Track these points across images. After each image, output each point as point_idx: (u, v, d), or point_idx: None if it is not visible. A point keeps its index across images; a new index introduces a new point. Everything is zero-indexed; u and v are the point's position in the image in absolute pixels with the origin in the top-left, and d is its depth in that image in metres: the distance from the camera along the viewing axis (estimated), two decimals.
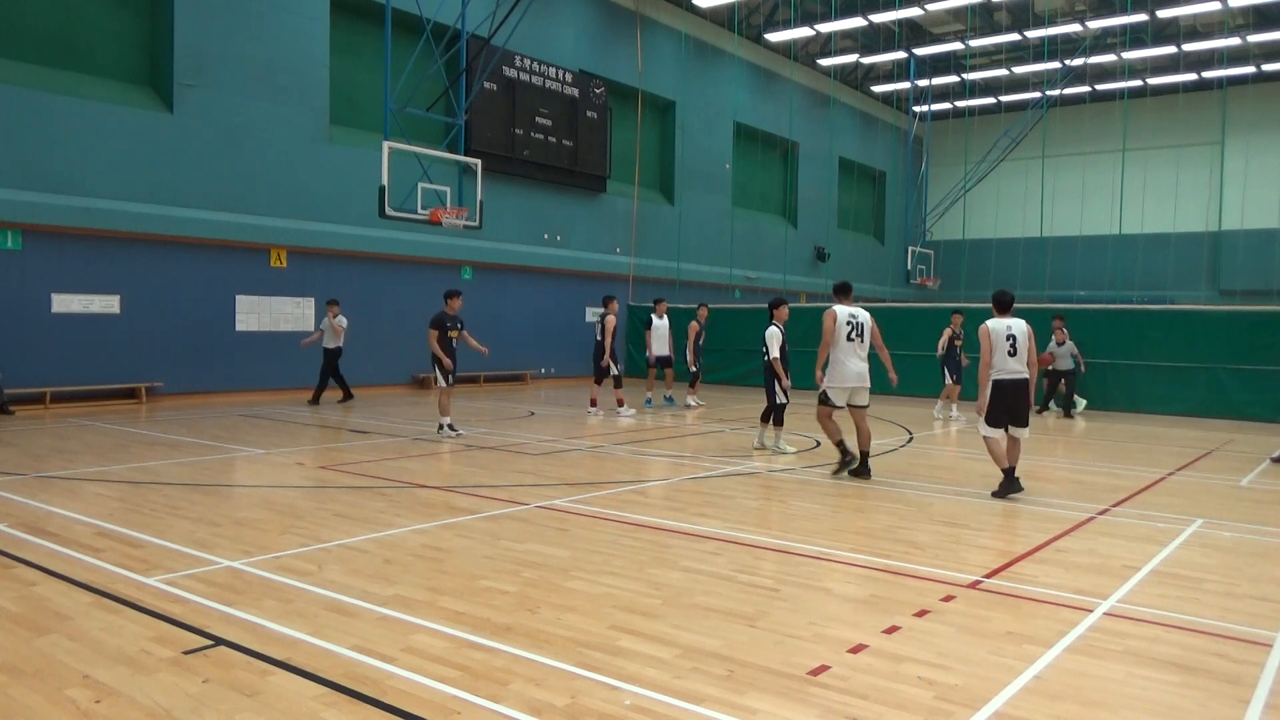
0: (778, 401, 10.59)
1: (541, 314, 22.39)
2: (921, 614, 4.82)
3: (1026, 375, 8.16)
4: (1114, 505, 8.05)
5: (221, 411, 14.52)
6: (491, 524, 6.82)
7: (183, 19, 15.46)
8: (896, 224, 37.94)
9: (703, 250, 27.35)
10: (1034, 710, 3.62)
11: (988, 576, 5.59)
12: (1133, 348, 17.20)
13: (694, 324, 16.21)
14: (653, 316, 16.09)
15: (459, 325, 12.08)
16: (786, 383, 10.51)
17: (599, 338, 14.74)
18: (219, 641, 4.18)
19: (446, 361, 11.74)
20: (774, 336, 10.53)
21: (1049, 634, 4.53)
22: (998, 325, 8.22)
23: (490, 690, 3.69)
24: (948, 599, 5.10)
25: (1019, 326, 8.22)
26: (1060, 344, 16.33)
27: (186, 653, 4.04)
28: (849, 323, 8.93)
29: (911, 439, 12.68)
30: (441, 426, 11.89)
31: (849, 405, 9.12)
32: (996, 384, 8.16)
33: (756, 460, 10.32)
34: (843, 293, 9.26)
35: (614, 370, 14.69)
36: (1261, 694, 3.84)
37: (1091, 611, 4.92)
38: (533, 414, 15.12)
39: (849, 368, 9.01)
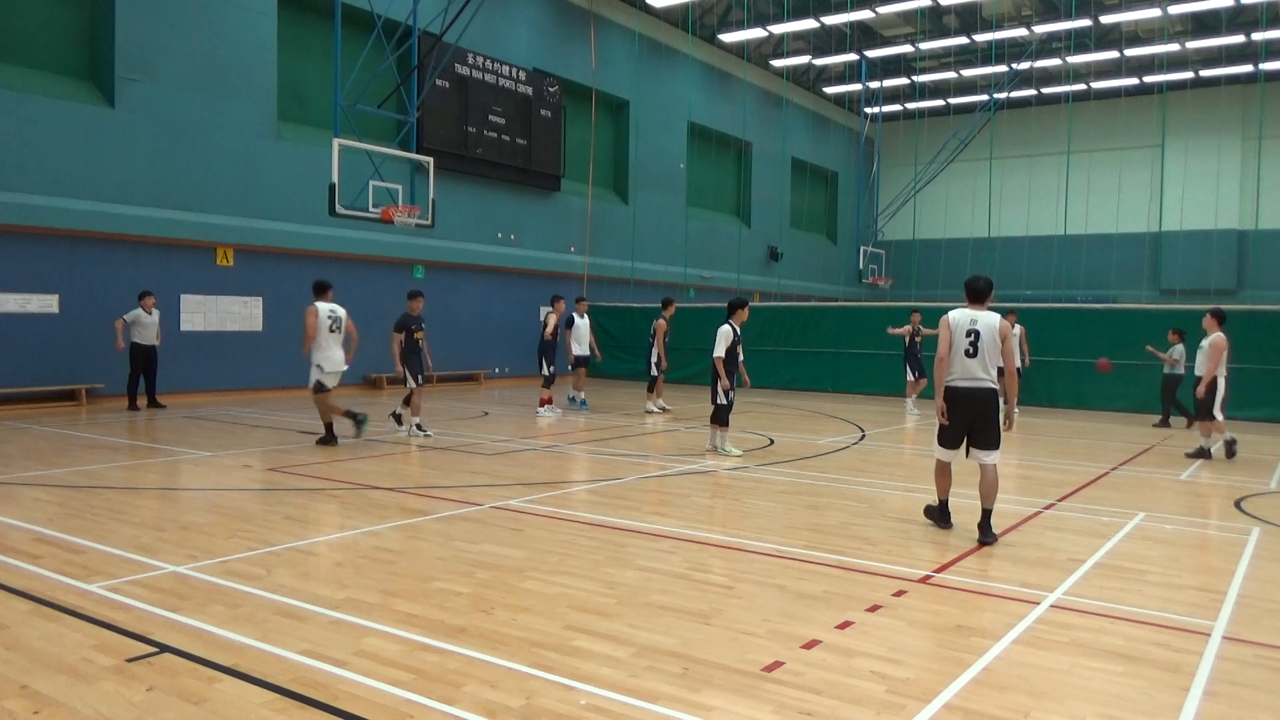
0: (718, 403, 10.53)
1: (495, 313, 22.26)
2: (874, 609, 4.87)
3: (989, 383, 6.40)
4: (1060, 500, 8.22)
5: (166, 413, 14.19)
6: (445, 525, 6.76)
7: (124, 11, 15.07)
8: (848, 224, 38.38)
9: (657, 250, 27.41)
10: (983, 701, 3.68)
11: (938, 571, 5.67)
12: (1077, 346, 17.58)
13: (661, 322, 15.52)
14: (574, 315, 15.93)
15: (421, 326, 11.83)
16: (725, 383, 10.39)
17: (545, 337, 14.72)
18: (163, 648, 4.08)
19: (400, 368, 11.54)
20: (724, 335, 10.39)
21: (997, 627, 4.61)
22: (960, 317, 6.49)
23: (444, 693, 3.66)
24: (899, 594, 5.17)
25: (987, 321, 6.43)
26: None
27: (129, 660, 3.94)
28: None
29: (864, 436, 12.83)
30: (409, 425, 11.78)
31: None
32: (949, 391, 6.48)
33: (709, 460, 10.36)
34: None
35: (546, 370, 14.63)
36: (1200, 681, 3.95)
37: (1038, 604, 5.02)
38: (486, 414, 15.01)
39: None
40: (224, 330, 16.85)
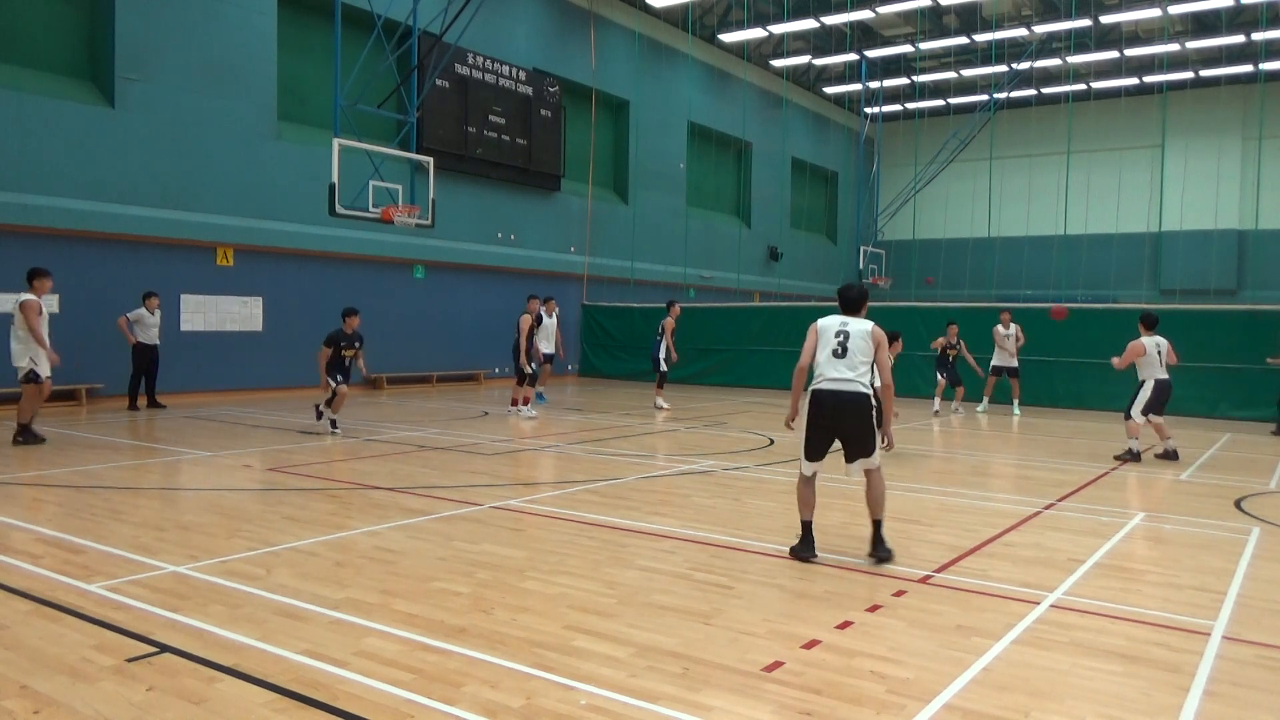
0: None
1: (495, 313, 22.23)
2: (874, 609, 4.88)
3: (859, 387, 5.80)
4: (1059, 500, 8.22)
5: (166, 413, 14.19)
6: (445, 525, 6.76)
7: (124, 11, 15.06)
8: (848, 224, 38.36)
9: (657, 250, 27.40)
10: (983, 701, 3.68)
11: (938, 571, 5.67)
12: (1077, 346, 17.58)
13: (669, 321, 16.18)
14: (542, 314, 16.01)
15: (355, 344, 12.05)
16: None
17: (517, 336, 14.67)
18: (164, 648, 4.08)
19: (328, 382, 11.81)
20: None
21: (997, 626, 4.61)
22: (829, 321, 6.08)
23: (444, 693, 3.66)
24: (899, 594, 5.17)
25: (858, 325, 5.97)
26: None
27: (130, 660, 3.94)
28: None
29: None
30: (320, 414, 12.06)
31: None
32: (814, 395, 5.92)
33: (710, 460, 10.35)
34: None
35: (529, 369, 14.55)
36: (1200, 681, 3.95)
37: (1038, 604, 5.02)
38: (486, 414, 15.01)
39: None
40: (224, 330, 16.84)
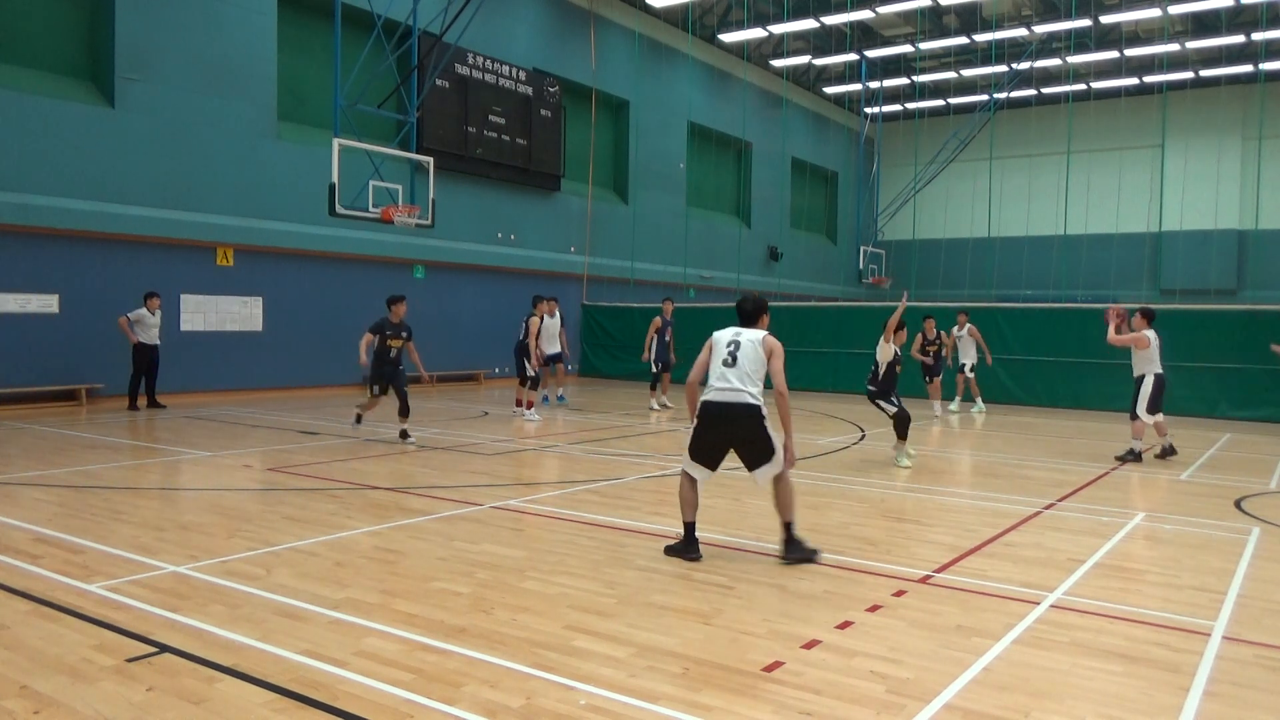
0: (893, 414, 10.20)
1: (495, 313, 22.23)
2: (874, 609, 4.87)
3: (750, 398, 5.72)
4: (1059, 500, 8.22)
5: (166, 413, 14.19)
6: (445, 525, 6.76)
7: (124, 11, 15.07)
8: (848, 224, 38.36)
9: (657, 250, 27.40)
10: (983, 701, 3.68)
11: (938, 571, 5.67)
12: (1077, 346, 17.58)
13: (657, 320, 16.22)
14: (544, 315, 15.94)
15: (403, 334, 11.30)
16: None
17: (521, 338, 14.60)
18: (163, 649, 4.08)
19: (369, 388, 11.58)
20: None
21: (997, 627, 4.61)
22: (722, 333, 6.02)
23: (444, 693, 3.66)
24: (899, 594, 5.17)
25: (751, 335, 5.91)
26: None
27: (130, 660, 3.94)
28: None
29: (864, 436, 12.82)
30: (360, 418, 12.27)
31: None
32: (704, 406, 5.86)
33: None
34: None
35: (531, 371, 14.48)
36: (1200, 682, 3.95)
37: (1038, 604, 5.01)
38: (486, 414, 15.01)
39: None
40: (224, 330, 16.84)
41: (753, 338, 5.88)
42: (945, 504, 7.94)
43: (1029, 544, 6.47)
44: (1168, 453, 10.90)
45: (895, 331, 10.29)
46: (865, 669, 4.00)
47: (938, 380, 15.46)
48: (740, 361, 5.78)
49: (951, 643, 4.37)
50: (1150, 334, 10.69)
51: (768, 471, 5.79)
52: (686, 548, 5.85)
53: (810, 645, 4.29)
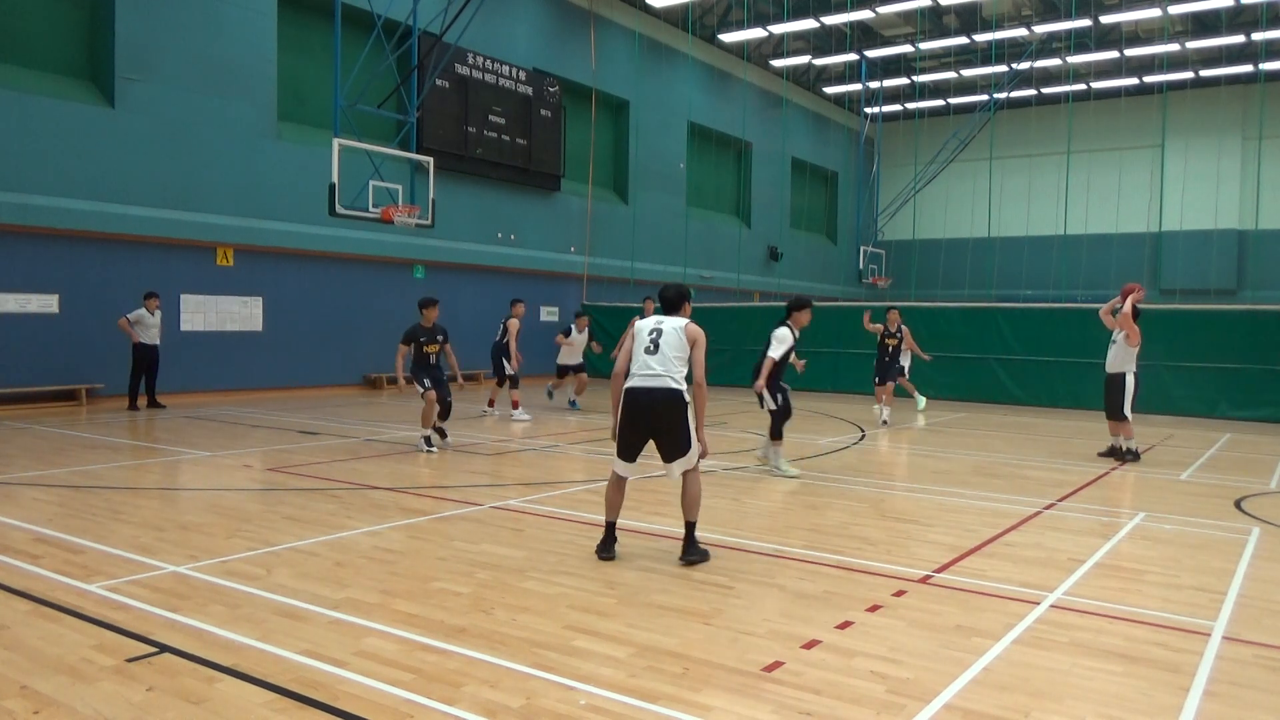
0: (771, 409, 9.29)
1: (495, 313, 22.12)
2: (874, 609, 4.87)
3: (672, 384, 5.67)
4: (1059, 500, 8.22)
5: (166, 413, 14.19)
6: (445, 525, 6.76)
7: (124, 11, 15.07)
8: (848, 224, 38.37)
9: (657, 250, 27.41)
10: (983, 701, 3.68)
11: (938, 571, 5.67)
12: (1077, 346, 17.56)
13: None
14: (573, 328, 15.61)
15: (438, 338, 10.68)
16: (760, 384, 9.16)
17: (499, 339, 14.43)
18: (163, 649, 4.08)
19: (415, 386, 10.57)
20: (781, 338, 9.33)
21: (997, 627, 4.61)
22: (645, 321, 6.03)
23: (444, 693, 3.66)
24: (899, 594, 5.16)
25: (673, 322, 5.89)
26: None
27: (129, 660, 3.94)
28: None
29: (864, 436, 12.82)
30: (429, 440, 10.65)
31: None
32: (628, 394, 5.78)
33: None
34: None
35: (510, 370, 14.29)
36: (1200, 681, 3.95)
37: (1038, 604, 5.01)
38: (485, 414, 15.01)
39: None
40: (224, 330, 16.85)
41: (675, 325, 5.83)
42: (945, 504, 7.94)
43: (1029, 544, 6.46)
44: (1130, 456, 10.65)
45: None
46: (865, 669, 4.00)
47: (890, 386, 14.26)
48: (663, 348, 5.73)
49: (951, 643, 4.37)
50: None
51: (683, 465, 5.75)
52: (603, 547, 5.82)
53: (810, 645, 4.29)
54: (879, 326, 14.80)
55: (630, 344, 5.92)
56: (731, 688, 3.77)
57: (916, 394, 16.31)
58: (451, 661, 4.00)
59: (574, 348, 15.70)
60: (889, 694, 3.74)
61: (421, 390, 10.57)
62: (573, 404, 16.20)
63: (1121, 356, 10.49)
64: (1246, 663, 4.22)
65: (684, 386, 5.74)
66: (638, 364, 5.79)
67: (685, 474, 5.80)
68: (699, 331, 5.83)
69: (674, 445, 5.73)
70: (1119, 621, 4.75)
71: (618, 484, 5.92)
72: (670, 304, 6.10)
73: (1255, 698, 3.81)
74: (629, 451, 5.85)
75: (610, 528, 5.87)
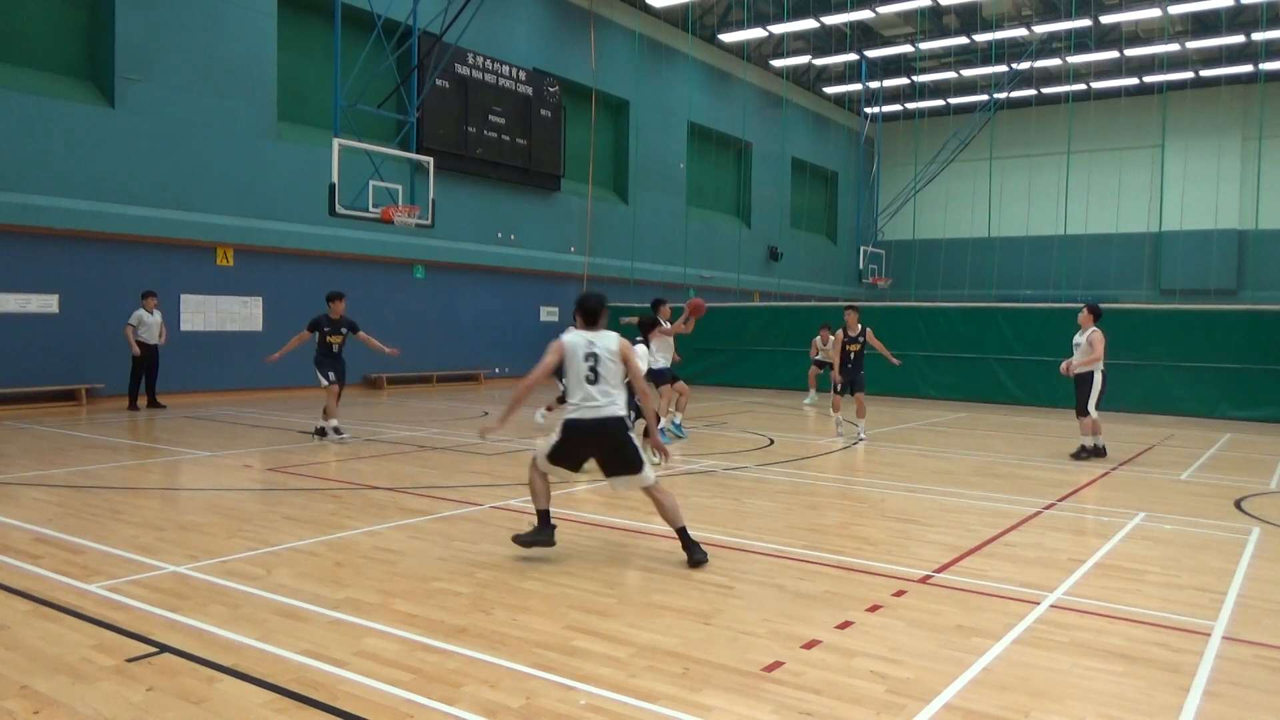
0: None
1: (495, 313, 22.26)
2: (874, 609, 4.87)
3: (615, 410, 5.72)
4: (1059, 500, 8.22)
5: (166, 413, 14.19)
6: (445, 525, 6.76)
7: (124, 11, 15.07)
8: (848, 224, 38.37)
9: (657, 250, 27.41)
10: (983, 701, 3.68)
11: (938, 571, 5.67)
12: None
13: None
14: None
15: (343, 330, 11.22)
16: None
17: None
18: (163, 648, 4.08)
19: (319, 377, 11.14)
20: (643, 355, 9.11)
21: (997, 627, 4.61)
22: (575, 340, 5.84)
23: (444, 693, 3.66)
24: (899, 594, 5.16)
25: (604, 343, 5.80)
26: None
27: (129, 660, 3.94)
28: None
29: (863, 439, 12.80)
30: (324, 430, 11.21)
31: None
32: (570, 426, 5.74)
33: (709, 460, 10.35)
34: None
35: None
36: (1200, 681, 3.95)
37: (1038, 604, 5.01)
38: (486, 414, 15.01)
39: None
40: (224, 330, 16.85)
41: (609, 351, 5.77)
42: (945, 504, 7.94)
43: (1029, 544, 6.46)
44: (1098, 454, 10.74)
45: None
46: (865, 669, 4.00)
47: (860, 396, 12.27)
48: (603, 376, 5.74)
49: (951, 643, 4.37)
50: (1099, 332, 10.67)
51: (632, 482, 5.76)
52: (539, 534, 5.78)
53: (810, 645, 4.29)
54: (834, 336, 12.70)
55: (555, 360, 5.84)
56: (731, 688, 3.77)
57: (814, 390, 16.27)
58: (451, 661, 4.00)
59: (666, 344, 15.52)
60: (889, 694, 3.74)
61: (325, 383, 11.14)
62: (675, 426, 16.12)
63: (1088, 358, 10.67)
64: (1246, 663, 4.22)
65: (624, 409, 5.82)
66: (580, 394, 5.75)
67: (647, 491, 5.78)
68: (628, 347, 5.86)
69: (620, 463, 5.75)
70: (1119, 621, 4.75)
71: (542, 477, 5.90)
72: (592, 314, 5.97)
73: (1255, 698, 3.81)
74: (573, 465, 5.89)
75: (543, 515, 5.82)
